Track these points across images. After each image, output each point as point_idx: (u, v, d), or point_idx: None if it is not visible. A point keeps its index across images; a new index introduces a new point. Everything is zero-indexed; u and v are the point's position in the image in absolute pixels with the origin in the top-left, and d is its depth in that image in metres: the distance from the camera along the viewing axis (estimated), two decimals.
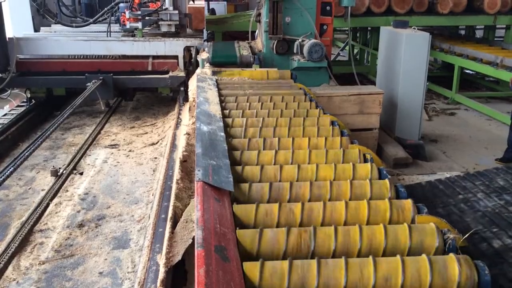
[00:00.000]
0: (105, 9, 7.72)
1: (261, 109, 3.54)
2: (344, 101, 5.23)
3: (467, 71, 9.11)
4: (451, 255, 1.76)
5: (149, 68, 6.63)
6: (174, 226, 2.42)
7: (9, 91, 6.71)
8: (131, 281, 3.16)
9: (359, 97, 5.26)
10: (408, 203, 2.18)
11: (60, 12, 8.34)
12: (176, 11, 6.93)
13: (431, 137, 6.52)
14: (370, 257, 1.73)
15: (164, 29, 7.00)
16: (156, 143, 5.72)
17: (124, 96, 7.10)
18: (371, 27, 9.53)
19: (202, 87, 4.07)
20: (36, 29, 7.83)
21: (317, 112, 3.50)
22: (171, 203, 2.71)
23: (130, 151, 5.53)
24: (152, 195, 4.33)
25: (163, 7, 6.88)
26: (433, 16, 8.43)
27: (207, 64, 5.44)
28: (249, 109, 3.54)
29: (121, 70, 6.58)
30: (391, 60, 6.11)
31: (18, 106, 6.99)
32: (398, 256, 1.74)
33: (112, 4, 7.56)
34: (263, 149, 2.85)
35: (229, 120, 3.26)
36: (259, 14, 6.29)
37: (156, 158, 5.26)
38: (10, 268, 3.28)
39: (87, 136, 5.96)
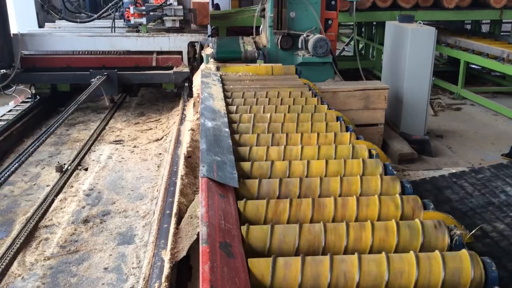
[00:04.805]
0: (110, 4, 7.70)
1: (268, 104, 3.52)
2: (349, 96, 5.20)
3: (473, 66, 9.03)
4: (464, 251, 1.74)
5: (153, 64, 6.63)
6: (178, 222, 2.41)
7: (14, 87, 6.72)
8: (136, 276, 3.16)
9: (364, 93, 5.23)
10: (416, 199, 2.16)
11: (65, 8, 8.33)
12: (181, 6, 6.91)
13: (436, 133, 6.48)
14: (383, 253, 1.71)
15: (168, 24, 6.98)
16: (161, 139, 5.72)
17: (129, 92, 7.11)
18: (376, 22, 9.46)
19: (206, 82, 4.05)
20: (41, 25, 7.83)
21: (324, 108, 3.47)
22: (176, 199, 2.70)
23: (134, 147, 5.53)
24: (157, 191, 4.33)
25: (168, 2, 6.86)
26: (439, 10, 8.35)
27: (212, 60, 5.42)
28: (256, 104, 3.52)
29: (126, 65, 6.58)
30: (396, 55, 6.06)
31: (23, 102, 7.02)
32: (411, 252, 1.72)
33: None
34: (271, 145, 2.83)
35: (236, 116, 3.24)
36: (263, 9, 6.26)
37: (160, 154, 5.26)
38: (15, 263, 3.29)
39: (91, 132, 5.97)
